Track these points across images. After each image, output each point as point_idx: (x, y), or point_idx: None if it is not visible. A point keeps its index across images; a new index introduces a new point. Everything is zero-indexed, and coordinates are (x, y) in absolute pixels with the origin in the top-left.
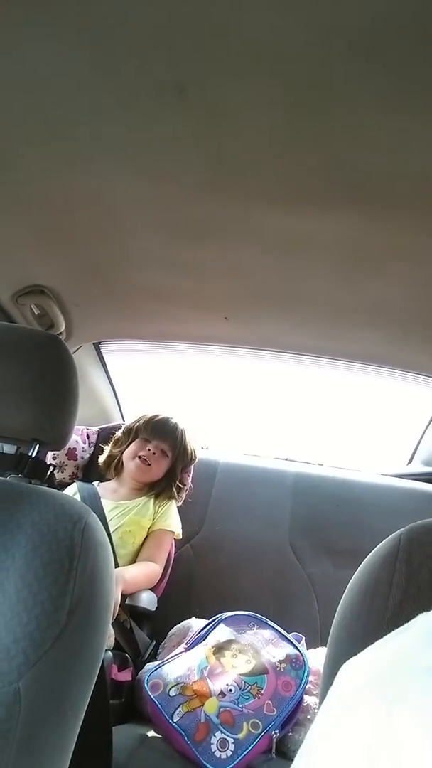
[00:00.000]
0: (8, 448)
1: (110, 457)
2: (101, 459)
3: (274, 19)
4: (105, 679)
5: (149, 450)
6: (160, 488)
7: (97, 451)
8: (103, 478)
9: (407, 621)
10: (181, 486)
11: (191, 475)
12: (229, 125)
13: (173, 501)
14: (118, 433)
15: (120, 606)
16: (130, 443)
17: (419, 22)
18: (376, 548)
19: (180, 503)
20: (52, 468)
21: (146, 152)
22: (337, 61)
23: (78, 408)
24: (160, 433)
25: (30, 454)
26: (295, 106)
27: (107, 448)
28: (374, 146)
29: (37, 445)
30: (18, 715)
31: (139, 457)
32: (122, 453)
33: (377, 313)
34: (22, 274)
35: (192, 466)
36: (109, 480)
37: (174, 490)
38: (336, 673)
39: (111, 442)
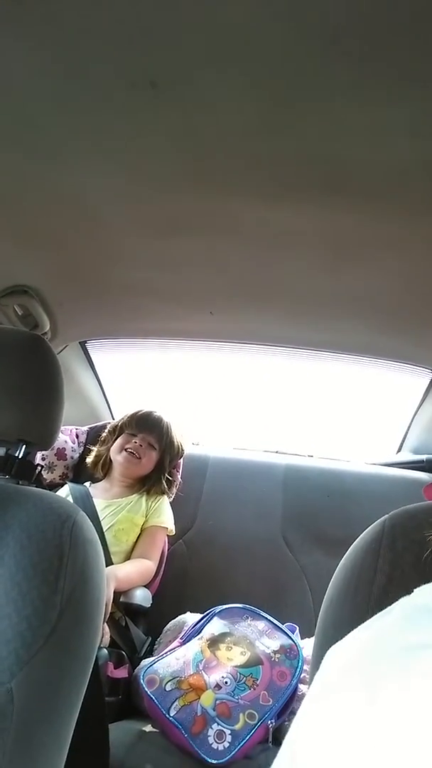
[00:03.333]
0: None
1: (97, 456)
2: (89, 459)
3: (244, 12)
4: (99, 676)
5: (136, 443)
6: (150, 483)
7: (87, 451)
8: (94, 479)
9: (392, 605)
10: (170, 480)
11: (180, 471)
12: (204, 119)
13: (165, 497)
14: (104, 433)
15: (114, 603)
16: (116, 440)
17: (389, 12)
18: (361, 535)
19: (171, 499)
20: (39, 468)
21: (122, 148)
22: (309, 53)
23: (64, 407)
24: (145, 425)
25: (17, 454)
26: (268, 99)
27: (94, 449)
28: (350, 137)
29: (24, 446)
30: (11, 716)
31: (127, 449)
32: (109, 450)
33: (362, 304)
34: (3, 274)
35: (180, 461)
36: (100, 480)
37: (164, 483)
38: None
39: (98, 443)
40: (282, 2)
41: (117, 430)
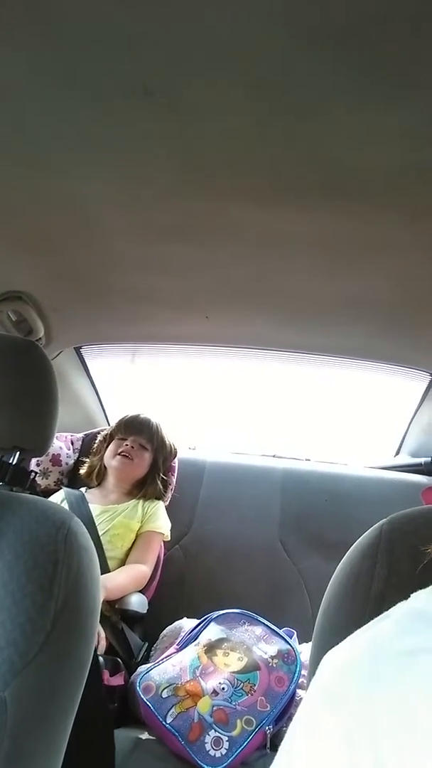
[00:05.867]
0: None
1: (90, 466)
2: (82, 471)
3: (237, 18)
4: (99, 681)
5: (128, 445)
6: (147, 485)
7: (80, 462)
8: (89, 485)
9: (389, 610)
10: (165, 481)
11: (176, 474)
12: (200, 124)
13: (161, 502)
14: (96, 443)
15: (112, 608)
16: (107, 447)
17: (387, 18)
18: (359, 539)
19: (166, 503)
20: (33, 474)
21: (117, 153)
22: (303, 58)
23: (58, 413)
24: (134, 428)
25: (11, 461)
26: (264, 104)
27: (87, 460)
28: (347, 141)
29: (18, 453)
30: (4, 725)
31: (120, 453)
32: (102, 459)
33: (359, 307)
34: None
35: (175, 462)
36: (97, 486)
37: (160, 484)
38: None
39: (90, 454)
40: (280, 8)
41: (108, 438)
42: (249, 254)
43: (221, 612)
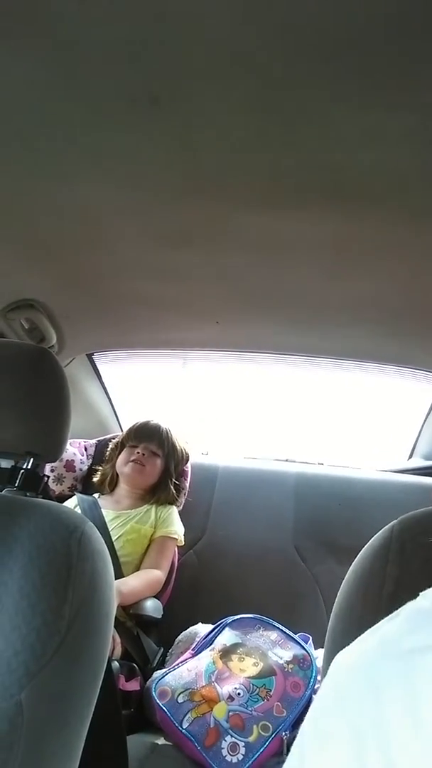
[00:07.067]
0: (5, 463)
1: (103, 474)
2: (96, 478)
3: (239, 24)
4: (115, 688)
5: (138, 453)
6: (159, 491)
7: (93, 470)
8: (103, 491)
9: (398, 609)
10: (178, 486)
11: (189, 479)
12: (204, 132)
13: (174, 507)
14: (107, 451)
15: (126, 614)
16: (119, 455)
17: (381, 21)
18: (370, 541)
19: (180, 507)
20: (46, 479)
21: (123, 162)
22: (304, 62)
23: (71, 419)
24: (144, 435)
25: (25, 467)
26: (266, 109)
27: (100, 469)
28: (349, 144)
29: (32, 458)
30: (21, 728)
31: (132, 461)
32: (114, 467)
33: (367, 310)
34: (9, 288)
35: (188, 467)
36: (110, 493)
37: (173, 489)
38: None
39: (103, 462)
40: (281, 16)
41: (119, 446)
42: (256, 259)
43: (236, 617)
